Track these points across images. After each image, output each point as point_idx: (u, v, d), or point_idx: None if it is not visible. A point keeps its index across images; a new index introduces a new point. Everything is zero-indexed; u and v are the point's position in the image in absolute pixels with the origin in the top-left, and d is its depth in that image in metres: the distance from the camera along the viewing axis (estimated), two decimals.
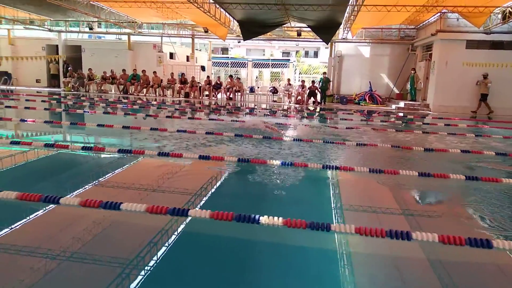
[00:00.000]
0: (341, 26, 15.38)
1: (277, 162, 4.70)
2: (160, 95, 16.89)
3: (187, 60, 21.57)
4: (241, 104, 15.19)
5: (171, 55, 19.88)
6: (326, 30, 15.62)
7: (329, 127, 9.01)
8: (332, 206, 3.59)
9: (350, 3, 12.36)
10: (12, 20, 18.35)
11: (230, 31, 17.07)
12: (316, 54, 42.18)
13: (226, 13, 14.94)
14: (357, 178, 4.66)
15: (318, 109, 14.72)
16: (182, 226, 2.92)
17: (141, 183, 3.99)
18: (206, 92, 16.98)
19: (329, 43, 17.01)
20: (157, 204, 2.91)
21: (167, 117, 9.73)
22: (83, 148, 5.32)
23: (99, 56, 18.76)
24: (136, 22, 18.20)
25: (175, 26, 18.73)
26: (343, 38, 17.24)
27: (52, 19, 18.85)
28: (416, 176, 4.39)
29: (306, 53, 42.29)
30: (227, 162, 4.81)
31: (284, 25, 16.91)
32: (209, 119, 9.29)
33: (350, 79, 17.68)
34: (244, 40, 17.39)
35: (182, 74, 16.91)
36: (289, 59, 28.33)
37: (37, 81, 19.81)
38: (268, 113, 12.17)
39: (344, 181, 4.59)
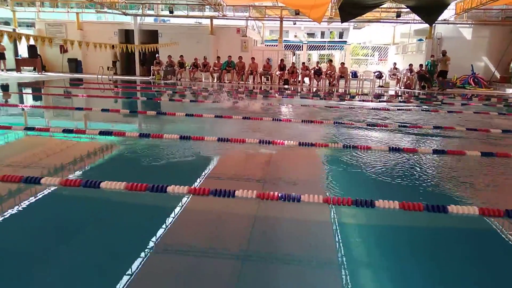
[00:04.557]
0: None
1: None
2: (258, 82, 16.06)
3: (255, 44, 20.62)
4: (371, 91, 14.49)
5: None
6: (430, 10, 14.94)
7: None
8: None
9: None
10: (83, 1, 17.08)
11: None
12: (341, 35, 41.27)
13: None
14: None
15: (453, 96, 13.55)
16: None
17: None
18: (306, 79, 16.26)
19: (432, 24, 16.37)
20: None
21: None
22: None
23: (177, 42, 17.62)
24: (221, 5, 17.12)
25: (261, 9, 17.76)
26: (444, 20, 16.61)
27: (126, 1, 17.57)
28: None
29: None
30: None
31: (382, 6, 16.21)
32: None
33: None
34: (341, 23, 16.61)
35: (281, 60, 16.06)
36: (345, 41, 27.55)
37: (109, 68, 18.58)
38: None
39: None
